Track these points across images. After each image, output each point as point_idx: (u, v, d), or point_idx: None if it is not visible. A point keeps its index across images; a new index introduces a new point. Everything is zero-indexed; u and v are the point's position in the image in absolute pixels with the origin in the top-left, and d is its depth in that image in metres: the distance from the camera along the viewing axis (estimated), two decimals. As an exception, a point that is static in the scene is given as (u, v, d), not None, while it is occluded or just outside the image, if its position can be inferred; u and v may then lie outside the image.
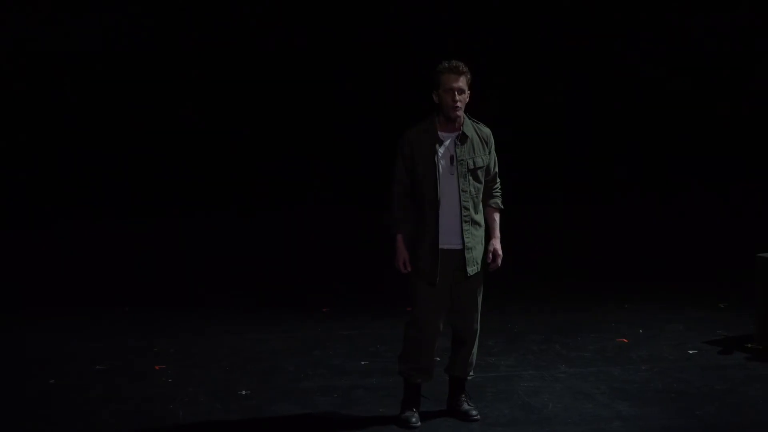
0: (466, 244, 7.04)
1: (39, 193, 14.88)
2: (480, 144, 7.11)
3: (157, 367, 8.57)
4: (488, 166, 7.17)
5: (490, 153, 7.17)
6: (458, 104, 6.96)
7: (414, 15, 15.77)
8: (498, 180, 7.31)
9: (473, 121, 7.14)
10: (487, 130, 7.19)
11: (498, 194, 7.32)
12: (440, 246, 7.02)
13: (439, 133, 7.04)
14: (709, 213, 14.90)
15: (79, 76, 15.20)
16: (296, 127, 15.73)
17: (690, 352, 8.95)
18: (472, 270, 7.08)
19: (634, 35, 16.13)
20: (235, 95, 15.62)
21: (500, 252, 7.21)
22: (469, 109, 7.12)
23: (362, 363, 8.69)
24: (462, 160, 7.02)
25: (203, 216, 14.93)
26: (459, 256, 7.05)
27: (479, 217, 7.15)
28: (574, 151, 16.25)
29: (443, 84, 6.95)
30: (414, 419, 7.20)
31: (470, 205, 7.06)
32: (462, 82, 6.95)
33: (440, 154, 7.01)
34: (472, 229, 7.08)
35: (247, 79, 15.64)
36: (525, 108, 15.99)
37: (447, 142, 7.03)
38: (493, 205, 7.29)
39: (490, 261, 7.19)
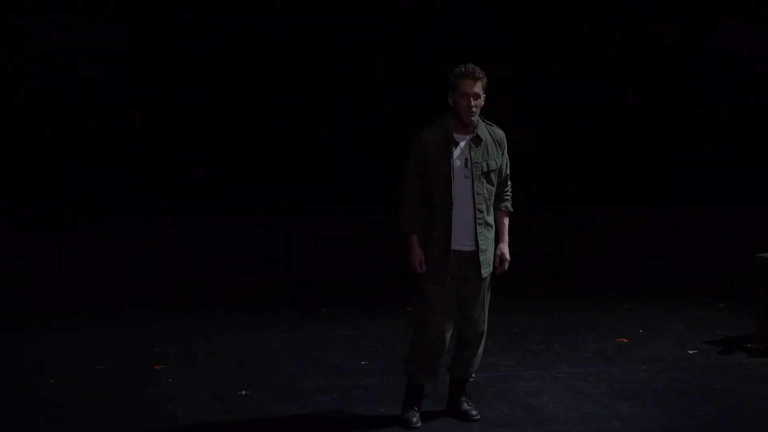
0: (480, 247, 7.04)
1: (39, 194, 14.88)
2: (494, 146, 7.11)
3: (157, 367, 8.57)
4: (501, 168, 7.17)
5: (503, 155, 7.17)
6: (474, 109, 6.94)
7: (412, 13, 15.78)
8: (509, 183, 7.32)
9: (487, 123, 7.14)
10: (500, 132, 7.18)
11: (508, 197, 7.32)
12: (453, 247, 7.02)
13: (454, 135, 7.03)
14: (709, 213, 14.89)
15: (73, 74, 15.21)
16: (295, 127, 15.73)
17: (690, 352, 8.95)
18: (485, 272, 7.09)
19: (641, 33, 16.14)
20: (235, 94, 15.62)
21: (508, 256, 7.22)
22: (484, 112, 7.11)
23: (362, 363, 8.69)
24: (476, 162, 7.01)
25: (203, 216, 14.93)
26: (470, 257, 7.05)
27: (491, 219, 7.16)
28: (575, 150, 16.25)
29: (459, 89, 6.93)
30: (415, 419, 7.20)
31: (484, 207, 7.07)
32: (478, 88, 6.93)
33: (455, 157, 7.01)
34: (485, 231, 7.09)
35: (246, 78, 15.63)
36: (525, 108, 15.98)
37: (462, 144, 7.02)
38: (503, 209, 7.29)
39: (498, 265, 7.20)
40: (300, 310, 10.39)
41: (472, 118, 6.97)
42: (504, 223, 7.28)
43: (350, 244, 13.37)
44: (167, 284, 11.55)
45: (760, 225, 13.09)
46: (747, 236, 12.42)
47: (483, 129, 7.09)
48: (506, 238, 7.26)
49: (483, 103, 7.00)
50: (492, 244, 7.17)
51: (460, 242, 7.04)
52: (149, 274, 12.01)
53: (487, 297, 7.24)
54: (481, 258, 7.06)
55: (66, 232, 14.02)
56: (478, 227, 7.04)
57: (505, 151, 7.19)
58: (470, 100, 6.91)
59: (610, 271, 12.12)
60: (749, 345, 8.99)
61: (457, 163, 7.01)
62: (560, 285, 11.45)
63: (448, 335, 7.16)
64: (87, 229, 14.17)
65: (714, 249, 12.98)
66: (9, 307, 10.57)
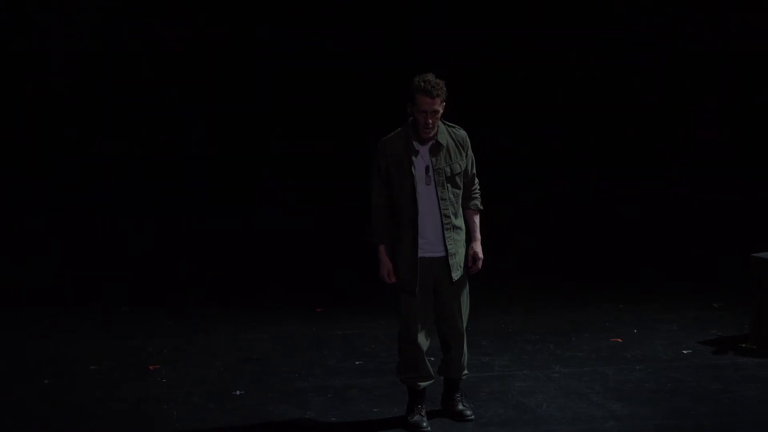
0: (449, 251, 7.05)
1: (35, 192, 14.87)
2: (456, 149, 7.10)
3: (151, 368, 8.57)
4: (466, 169, 7.17)
5: (467, 156, 7.17)
6: (431, 125, 6.94)
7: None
8: (476, 181, 7.29)
9: (447, 125, 7.13)
10: (462, 133, 7.17)
11: (477, 195, 7.30)
12: (423, 255, 7.03)
13: (414, 143, 7.02)
14: (703, 212, 14.90)
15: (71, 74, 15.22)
16: (289, 128, 15.74)
17: (684, 352, 8.95)
18: (456, 275, 7.10)
19: (627, 32, 16.15)
20: (236, 92, 15.63)
21: (480, 255, 7.21)
22: (446, 115, 7.11)
23: (356, 363, 8.70)
24: (438, 168, 7.02)
25: (199, 217, 14.93)
26: (442, 263, 7.07)
27: (460, 221, 7.16)
28: (570, 149, 16.26)
29: (417, 104, 6.91)
30: (425, 424, 7.19)
31: (450, 212, 7.07)
32: (436, 104, 6.89)
33: (416, 165, 7.01)
34: (454, 235, 7.09)
35: (245, 76, 15.64)
36: (523, 106, 16.00)
37: (422, 152, 7.02)
38: (472, 207, 7.28)
39: (470, 264, 7.21)
40: (294, 310, 10.39)
41: (430, 135, 6.98)
42: (474, 222, 7.27)
43: (345, 244, 13.36)
44: (162, 284, 11.54)
45: (754, 224, 13.10)
46: (741, 236, 12.43)
47: (444, 133, 7.07)
48: (478, 236, 7.26)
49: (442, 111, 6.98)
50: (462, 246, 7.17)
51: (431, 249, 7.05)
52: (144, 275, 12.00)
53: (465, 299, 7.24)
54: (450, 262, 7.06)
55: (59, 231, 14.00)
56: (446, 232, 7.04)
57: (469, 150, 7.17)
58: (427, 117, 6.91)
59: (604, 271, 12.11)
60: (744, 345, 8.99)
61: (420, 170, 7.01)
62: (554, 285, 11.44)
63: (426, 341, 7.18)
64: (81, 228, 14.15)
65: (708, 248, 12.98)
66: (3, 306, 10.55)
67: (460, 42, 15.66)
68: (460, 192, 7.14)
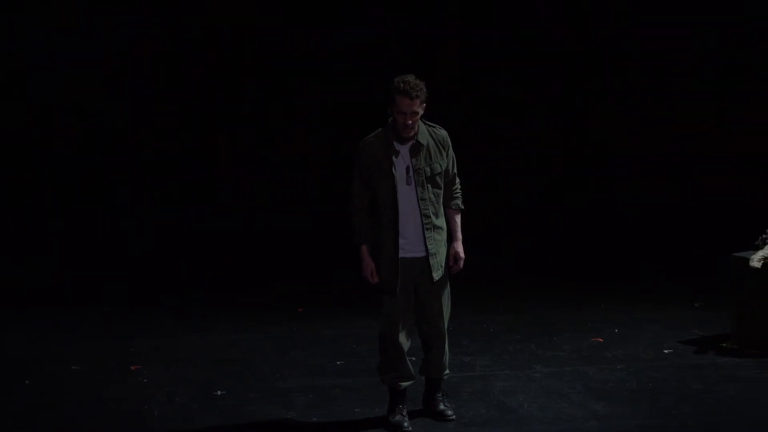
0: (429, 251, 7.06)
1: (35, 192, 14.85)
2: (436, 149, 7.11)
3: (133, 368, 8.56)
4: (447, 169, 7.18)
5: (447, 155, 7.18)
6: (410, 125, 6.95)
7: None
8: (457, 180, 7.31)
9: (428, 125, 7.14)
10: (443, 133, 7.18)
11: (458, 195, 7.32)
12: (404, 255, 7.05)
13: (395, 143, 7.04)
14: (685, 211, 14.91)
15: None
16: (283, 127, 15.73)
17: (665, 351, 8.97)
18: (437, 275, 7.11)
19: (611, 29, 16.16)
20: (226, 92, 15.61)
21: (462, 254, 7.23)
22: (428, 115, 7.12)
23: (338, 363, 8.70)
24: (419, 169, 7.03)
25: (181, 215, 14.88)
26: (423, 263, 7.08)
27: (441, 221, 7.17)
28: (556, 149, 16.26)
29: (397, 105, 6.92)
30: (406, 424, 7.20)
31: (431, 212, 7.08)
32: (415, 106, 6.91)
33: (397, 165, 7.02)
34: (435, 235, 7.11)
35: (234, 76, 15.63)
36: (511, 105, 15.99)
37: (403, 152, 7.04)
38: (454, 207, 7.29)
39: (452, 264, 7.22)
40: (276, 310, 10.38)
41: (409, 134, 6.99)
42: (456, 221, 7.29)
43: (328, 244, 13.34)
44: (144, 284, 11.51)
45: (735, 223, 13.10)
46: (723, 235, 12.43)
47: (424, 133, 7.09)
48: (459, 236, 7.28)
49: (422, 112, 7.00)
50: (443, 246, 7.18)
51: (412, 250, 7.07)
52: (126, 274, 11.96)
53: (446, 299, 7.25)
54: (431, 262, 7.08)
55: (41, 232, 13.95)
56: (426, 233, 7.06)
57: (450, 149, 7.19)
58: (406, 118, 6.93)
59: (585, 270, 12.11)
60: (725, 344, 9.01)
61: (400, 171, 7.02)
62: (535, 284, 11.44)
63: (407, 341, 7.20)
64: (62, 227, 14.10)
65: (689, 247, 12.98)
66: (2, 306, 10.53)
67: (458, 40, 15.66)
68: (441, 192, 7.16)
